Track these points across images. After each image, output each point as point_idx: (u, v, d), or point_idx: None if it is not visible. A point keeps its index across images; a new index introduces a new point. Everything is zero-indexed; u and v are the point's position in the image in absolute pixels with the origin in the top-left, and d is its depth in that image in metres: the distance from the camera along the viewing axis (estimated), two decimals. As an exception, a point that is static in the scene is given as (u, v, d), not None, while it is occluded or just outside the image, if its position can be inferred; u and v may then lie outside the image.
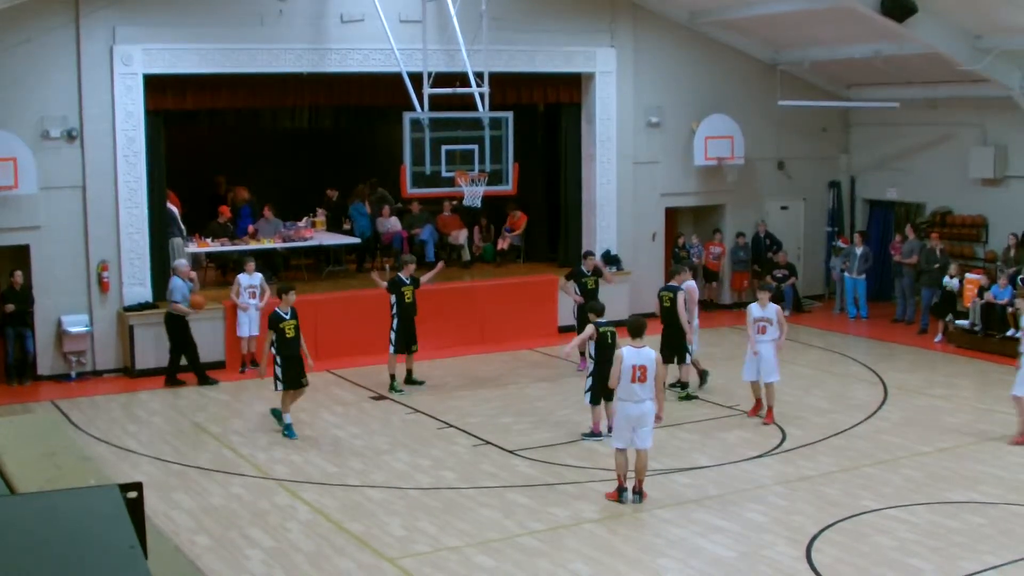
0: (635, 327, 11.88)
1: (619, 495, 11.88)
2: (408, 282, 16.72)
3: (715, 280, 23.19)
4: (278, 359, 14.38)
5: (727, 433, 14.52)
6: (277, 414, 14.81)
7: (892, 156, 23.61)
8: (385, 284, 16.89)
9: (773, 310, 14.93)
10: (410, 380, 16.98)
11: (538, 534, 11.05)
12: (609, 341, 13.77)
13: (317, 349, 18.60)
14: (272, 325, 14.44)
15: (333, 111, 21.85)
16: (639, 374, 11.51)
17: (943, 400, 16.26)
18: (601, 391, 13.63)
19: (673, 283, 16.35)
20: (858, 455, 13.54)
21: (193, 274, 18.20)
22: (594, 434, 14.21)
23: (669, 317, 15.99)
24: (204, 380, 17.39)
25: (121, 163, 17.87)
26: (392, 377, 16.74)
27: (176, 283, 17.35)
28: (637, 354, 11.59)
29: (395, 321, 16.66)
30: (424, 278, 17.28)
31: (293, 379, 14.43)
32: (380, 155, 24.09)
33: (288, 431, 14.49)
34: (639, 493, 11.84)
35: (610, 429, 13.21)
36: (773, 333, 14.78)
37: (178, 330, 17.32)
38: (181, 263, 17.78)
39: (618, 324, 14.44)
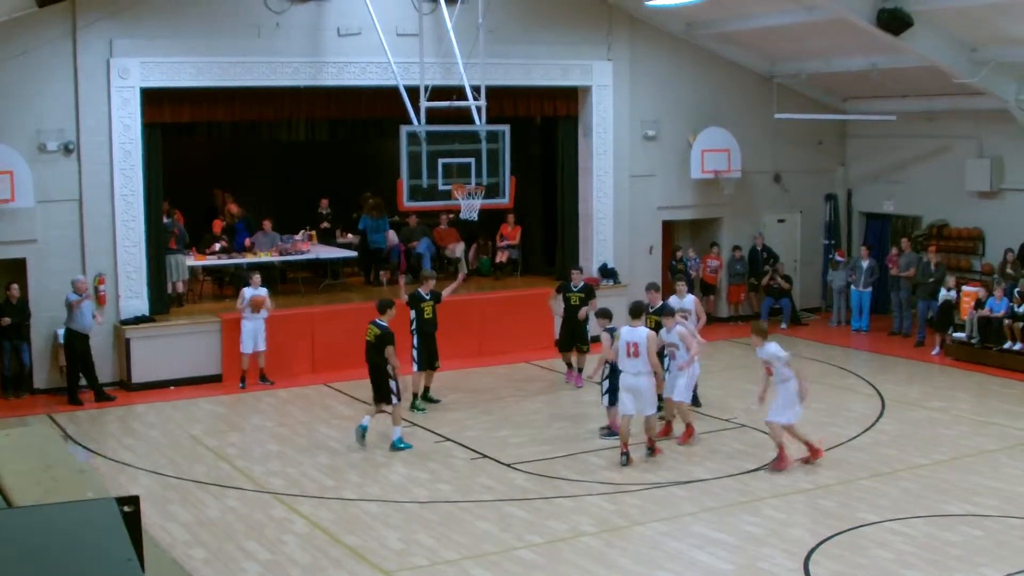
0: (634, 309, 13.65)
1: (621, 458, 13.41)
2: (428, 297, 16.53)
3: (712, 293, 23.20)
4: (391, 371, 14.31)
5: (724, 446, 14.50)
6: (400, 443, 14.50)
7: (889, 168, 23.65)
8: (405, 299, 16.69)
9: (675, 333, 14.53)
10: (426, 397, 16.79)
11: (535, 547, 11.03)
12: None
13: (315, 362, 18.66)
14: (391, 341, 14.24)
15: (330, 124, 21.82)
16: (632, 350, 13.16)
17: (940, 412, 16.25)
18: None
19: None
20: (856, 468, 13.52)
21: (88, 288, 17.44)
22: (612, 432, 14.51)
23: None
24: (102, 396, 17.23)
25: (118, 176, 17.88)
26: (415, 395, 16.53)
27: (75, 299, 16.97)
28: (632, 332, 13.27)
29: (415, 337, 16.45)
30: (446, 291, 17.07)
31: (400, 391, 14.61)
32: (377, 168, 24.11)
33: (402, 443, 14.45)
34: (651, 449, 13.74)
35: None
36: (681, 356, 14.47)
37: (78, 348, 17.14)
38: (79, 278, 17.28)
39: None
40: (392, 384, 14.30)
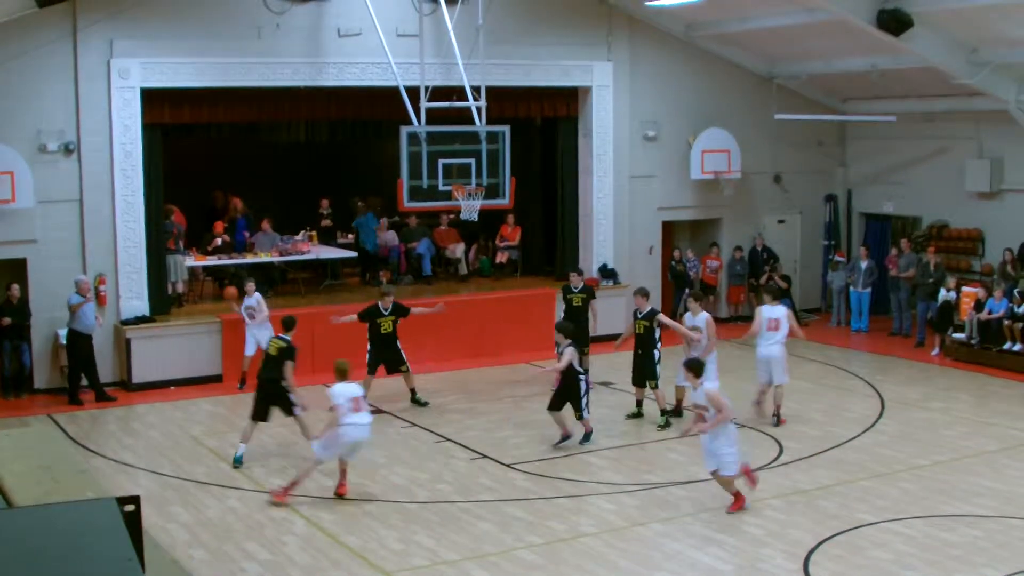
0: (773, 292, 16.44)
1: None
2: (386, 312, 16.53)
3: (712, 294, 23.18)
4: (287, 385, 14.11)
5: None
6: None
7: (888, 169, 23.65)
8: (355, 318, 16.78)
9: (703, 319, 15.28)
10: (415, 400, 16.80)
11: (535, 548, 11.04)
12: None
13: (314, 363, 18.62)
14: (292, 356, 14.01)
15: (330, 125, 21.84)
16: (773, 324, 15.38)
17: (940, 413, 16.25)
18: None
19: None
20: (855, 468, 13.53)
21: (90, 289, 17.41)
22: (587, 435, 14.64)
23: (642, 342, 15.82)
24: (102, 397, 17.24)
25: (118, 176, 17.89)
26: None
27: (77, 300, 16.98)
28: (771, 310, 15.53)
29: (369, 344, 16.62)
30: (416, 310, 17.14)
31: None
32: (377, 168, 24.10)
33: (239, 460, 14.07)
34: (777, 418, 15.44)
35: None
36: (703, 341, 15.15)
37: (81, 348, 17.15)
38: (81, 278, 17.26)
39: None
40: (292, 397, 13.86)
